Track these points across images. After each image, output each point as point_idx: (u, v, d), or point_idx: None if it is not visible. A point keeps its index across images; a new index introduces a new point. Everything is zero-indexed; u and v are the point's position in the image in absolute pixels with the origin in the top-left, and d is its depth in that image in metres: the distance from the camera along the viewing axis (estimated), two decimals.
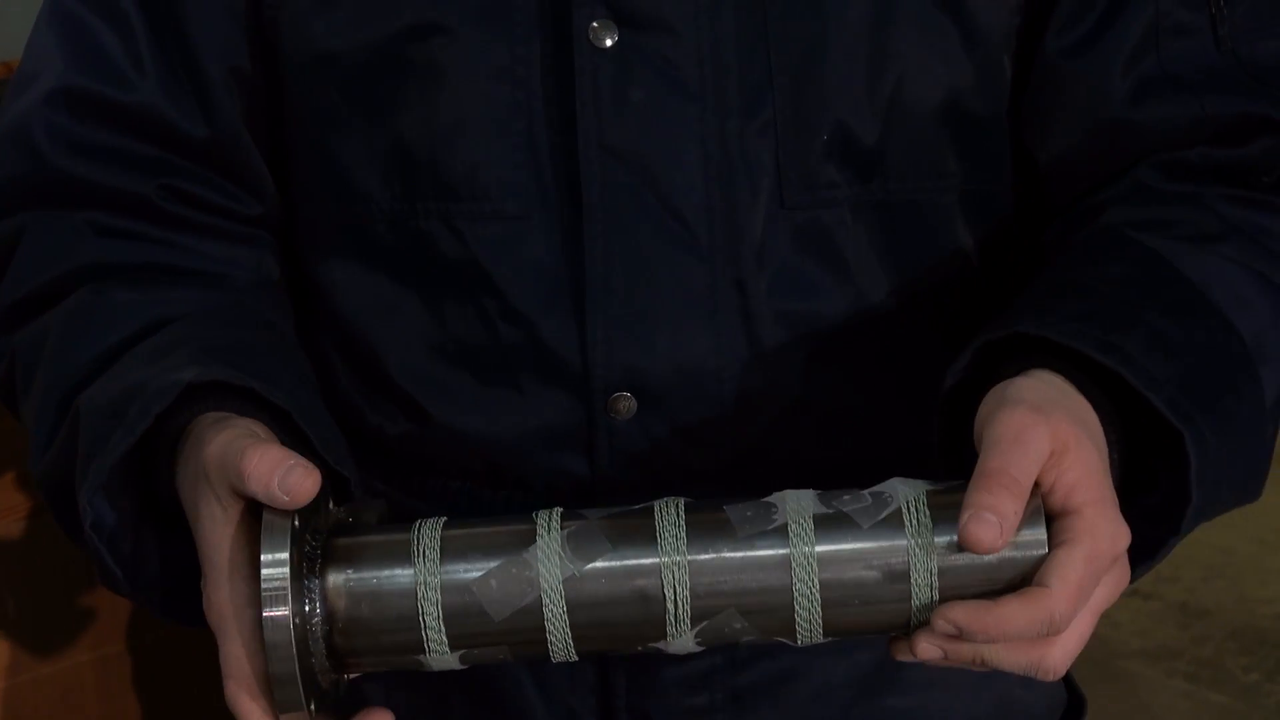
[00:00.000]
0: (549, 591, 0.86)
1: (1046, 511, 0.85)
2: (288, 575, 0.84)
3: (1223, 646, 2.97)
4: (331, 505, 0.91)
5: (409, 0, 1.00)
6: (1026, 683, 1.12)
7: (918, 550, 0.85)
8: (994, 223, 1.06)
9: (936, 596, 0.85)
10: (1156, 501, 0.91)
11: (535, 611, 0.87)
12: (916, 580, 0.85)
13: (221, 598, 0.87)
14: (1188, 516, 0.90)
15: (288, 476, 0.85)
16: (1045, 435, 0.84)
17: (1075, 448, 0.85)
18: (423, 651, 0.88)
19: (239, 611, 0.87)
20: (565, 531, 0.88)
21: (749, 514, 0.87)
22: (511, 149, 1.00)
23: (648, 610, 0.87)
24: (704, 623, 0.87)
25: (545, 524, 0.88)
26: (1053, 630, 0.84)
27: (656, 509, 0.88)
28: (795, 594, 0.86)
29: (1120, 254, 0.98)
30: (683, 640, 0.88)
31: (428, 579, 0.87)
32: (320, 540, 0.88)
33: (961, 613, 0.83)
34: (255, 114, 1.07)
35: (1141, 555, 0.91)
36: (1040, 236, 1.07)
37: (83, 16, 1.05)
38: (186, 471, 0.91)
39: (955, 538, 0.84)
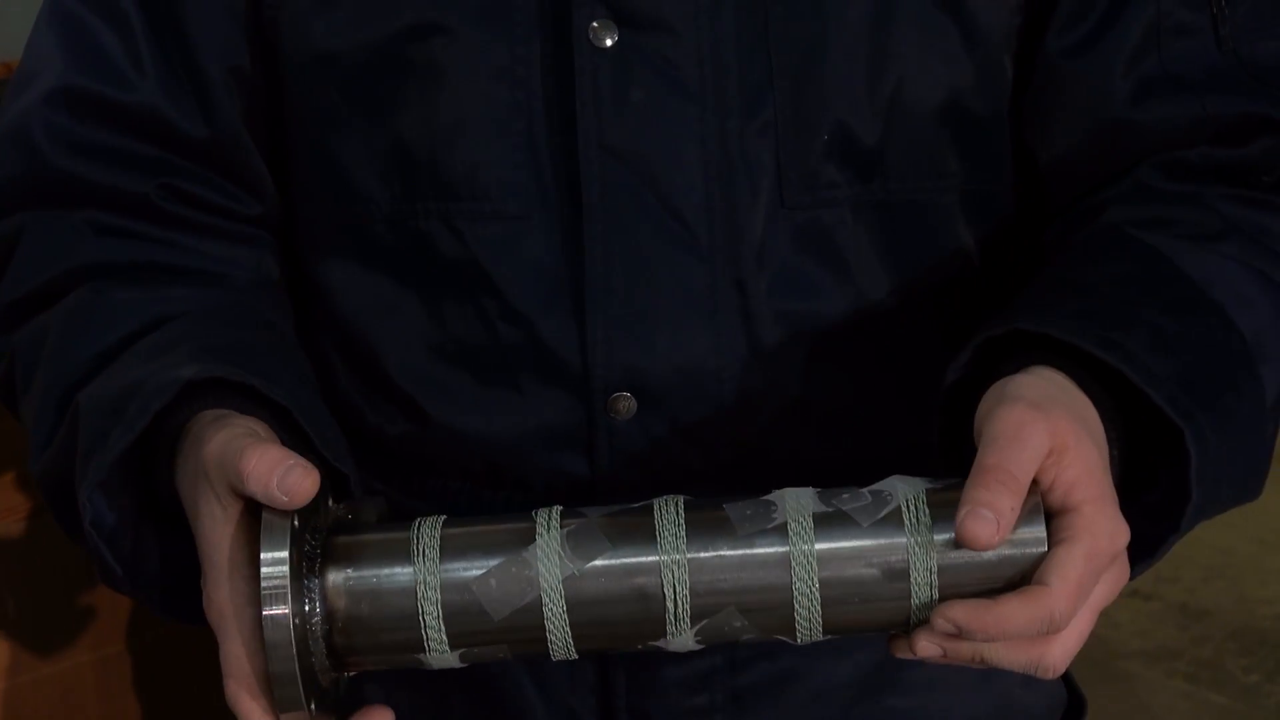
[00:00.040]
0: (549, 590, 0.86)
1: (1046, 509, 0.85)
2: (287, 574, 0.84)
3: (1223, 647, 2.97)
4: (331, 503, 0.91)
5: (409, 0, 1.00)
6: (1027, 683, 1.12)
7: (917, 548, 0.85)
8: (994, 223, 1.06)
9: (936, 594, 0.85)
10: (1156, 499, 0.91)
11: (535, 610, 0.87)
12: (916, 578, 0.85)
13: (221, 596, 0.87)
14: (1187, 514, 0.90)
15: (286, 477, 0.85)
16: (1044, 432, 0.84)
17: (1074, 445, 0.85)
18: (422, 650, 0.88)
19: (239, 610, 0.87)
20: (565, 530, 0.88)
21: (748, 512, 0.87)
22: (511, 149, 1.00)
23: (647, 609, 0.87)
24: (704, 621, 0.87)
25: (545, 522, 0.88)
26: (1052, 628, 0.84)
27: (656, 507, 0.88)
28: (795, 592, 0.86)
29: (1121, 252, 0.98)
30: (682, 638, 0.88)
31: (427, 578, 0.87)
32: (320, 539, 0.88)
33: (961, 611, 0.83)
34: (255, 114, 1.07)
35: (1141, 553, 0.91)
36: (1041, 236, 1.07)
37: (83, 16, 1.05)
38: (186, 469, 0.91)
39: (954, 535, 0.84)
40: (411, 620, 0.87)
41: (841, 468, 0.94)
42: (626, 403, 1.01)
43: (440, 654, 0.88)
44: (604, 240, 1.00)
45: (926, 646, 0.85)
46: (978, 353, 0.93)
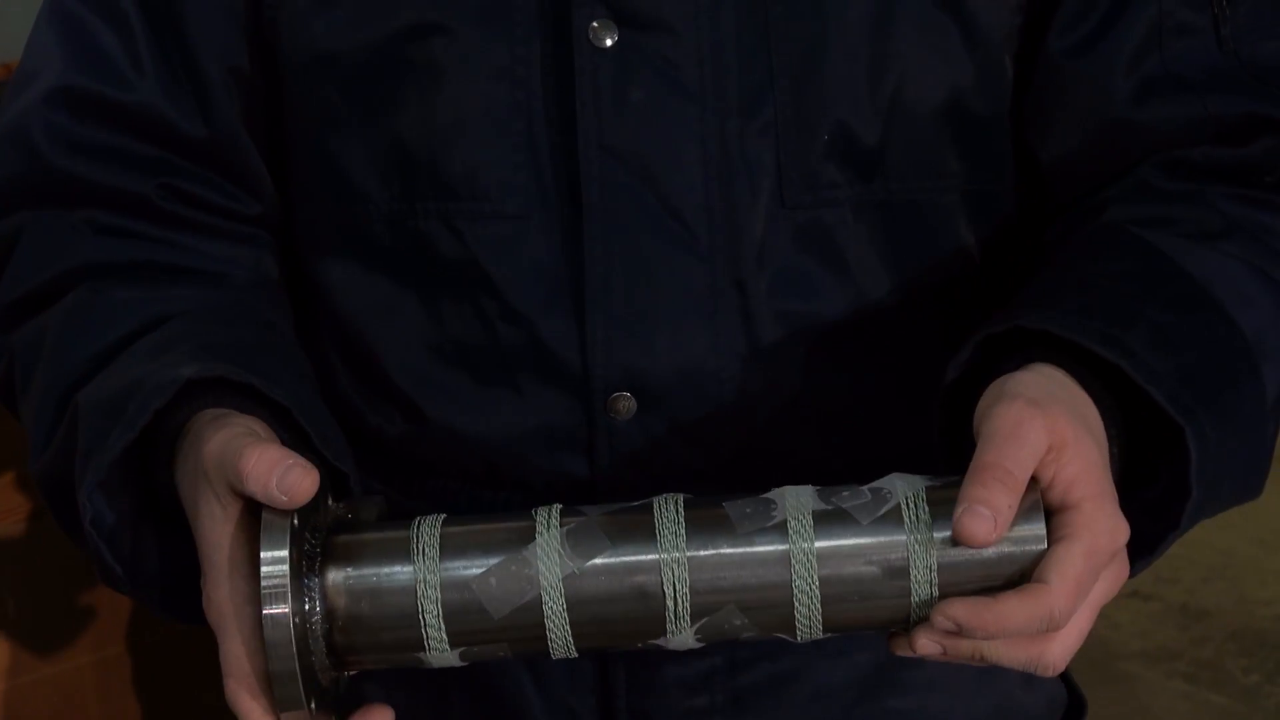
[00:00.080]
0: (548, 589, 0.86)
1: (1045, 506, 0.85)
2: (287, 573, 0.84)
3: (1223, 648, 2.97)
4: (331, 502, 0.91)
5: (408, 0, 1.00)
6: (1027, 683, 1.12)
7: (917, 546, 0.85)
8: (995, 222, 1.06)
9: (936, 592, 0.85)
10: (1157, 496, 0.91)
11: (535, 609, 0.87)
12: (916, 576, 0.85)
13: (221, 596, 0.87)
14: (1188, 512, 0.90)
15: (286, 476, 0.85)
16: (1042, 429, 0.84)
17: (1074, 442, 0.85)
18: (423, 649, 0.88)
19: (239, 610, 0.87)
20: (565, 528, 0.88)
21: (748, 510, 0.87)
22: (511, 149, 1.00)
23: (647, 607, 0.87)
24: (704, 619, 0.87)
25: (544, 521, 0.88)
26: (1052, 626, 0.84)
27: (656, 506, 0.88)
28: (795, 590, 0.86)
29: (1122, 250, 0.98)
30: (682, 637, 0.88)
31: (427, 576, 0.87)
32: (320, 538, 0.88)
33: (961, 609, 0.83)
34: (254, 114, 1.07)
35: (1141, 551, 0.91)
36: (1042, 236, 1.07)
37: (82, 16, 1.05)
38: (186, 469, 0.91)
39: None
40: (411, 619, 0.87)
41: (841, 467, 0.94)
42: (626, 403, 1.01)
43: (440, 653, 0.88)
44: (604, 240, 1.00)
45: (926, 644, 0.85)
46: (978, 350, 0.93)
